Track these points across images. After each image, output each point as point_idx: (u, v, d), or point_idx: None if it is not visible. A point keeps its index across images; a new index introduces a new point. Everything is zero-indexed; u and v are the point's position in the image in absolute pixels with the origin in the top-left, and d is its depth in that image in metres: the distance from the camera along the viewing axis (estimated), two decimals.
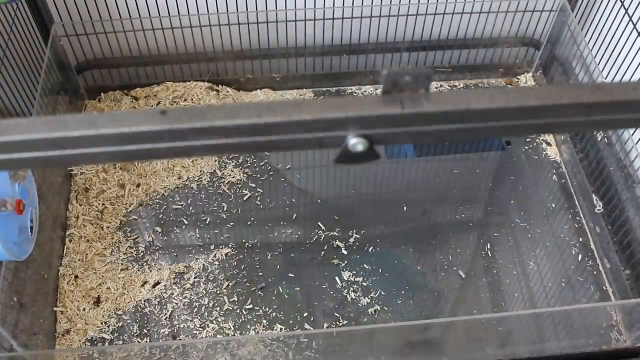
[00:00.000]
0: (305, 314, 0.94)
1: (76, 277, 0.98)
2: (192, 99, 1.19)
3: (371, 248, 1.01)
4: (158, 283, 0.98)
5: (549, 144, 1.17)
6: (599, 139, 1.10)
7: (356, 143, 0.30)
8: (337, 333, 0.87)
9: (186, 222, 1.05)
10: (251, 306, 0.95)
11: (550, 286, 0.98)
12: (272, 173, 1.12)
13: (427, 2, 1.17)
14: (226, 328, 0.93)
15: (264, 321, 0.93)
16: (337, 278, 0.98)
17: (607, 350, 0.91)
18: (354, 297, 0.96)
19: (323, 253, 1.01)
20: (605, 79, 1.12)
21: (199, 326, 0.93)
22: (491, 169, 1.13)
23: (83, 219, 1.04)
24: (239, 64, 1.24)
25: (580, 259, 1.01)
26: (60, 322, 0.93)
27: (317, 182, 1.11)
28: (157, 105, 1.20)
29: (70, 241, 1.02)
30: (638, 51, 1.03)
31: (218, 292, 0.97)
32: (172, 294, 0.97)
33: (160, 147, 0.29)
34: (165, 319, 0.94)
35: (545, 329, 0.92)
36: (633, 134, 1.03)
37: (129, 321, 0.94)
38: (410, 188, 1.10)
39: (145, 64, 1.21)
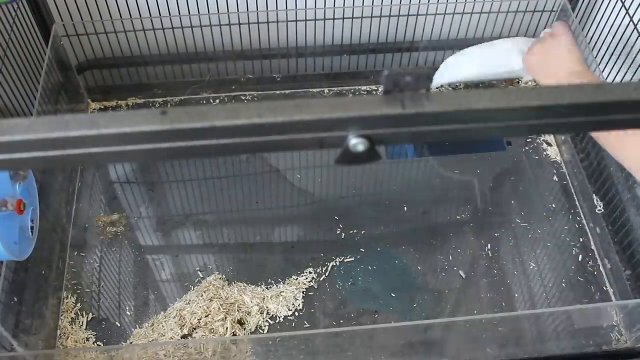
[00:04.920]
0: (306, 314, 0.94)
1: (77, 275, 0.98)
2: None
3: (371, 248, 1.01)
4: (158, 283, 0.98)
5: (549, 144, 1.17)
6: None
7: (357, 143, 0.30)
8: (337, 333, 0.87)
9: (186, 222, 1.05)
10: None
11: (551, 286, 0.98)
12: (272, 173, 1.12)
13: (428, 2, 1.17)
14: (226, 328, 0.93)
15: (264, 321, 0.93)
16: (337, 278, 0.98)
17: (607, 351, 0.91)
18: (354, 297, 0.96)
19: (323, 253, 1.01)
20: (606, 79, 1.12)
21: (198, 326, 0.93)
22: (491, 169, 1.13)
23: (83, 218, 1.04)
24: (239, 64, 1.24)
25: (580, 260, 1.01)
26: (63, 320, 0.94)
27: (317, 182, 1.11)
28: (159, 105, 1.20)
29: (70, 240, 1.02)
30: (639, 51, 1.03)
31: (218, 292, 0.96)
32: (172, 293, 0.97)
33: (161, 148, 0.29)
34: (165, 318, 0.94)
35: (546, 329, 0.92)
36: None
37: (128, 321, 0.94)
38: (410, 188, 1.10)
39: (145, 64, 1.21)
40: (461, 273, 0.99)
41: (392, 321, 0.94)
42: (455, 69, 1.01)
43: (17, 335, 0.85)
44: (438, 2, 1.17)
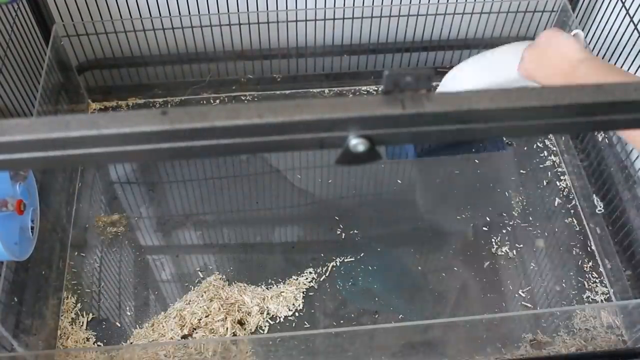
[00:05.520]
0: (306, 314, 0.94)
1: (77, 275, 0.98)
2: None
3: (371, 248, 1.01)
4: (158, 283, 0.98)
5: (549, 144, 1.17)
6: (600, 139, 1.10)
7: (357, 143, 0.30)
8: (337, 333, 0.87)
9: (186, 222, 1.05)
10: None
11: (551, 286, 0.98)
12: (272, 173, 1.12)
13: (428, 2, 1.17)
14: (226, 328, 0.93)
15: (264, 321, 0.93)
16: (337, 278, 0.98)
17: (607, 351, 0.91)
18: (354, 297, 0.96)
19: (323, 253, 1.01)
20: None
21: (198, 326, 0.93)
22: (491, 169, 1.13)
23: (83, 218, 1.04)
24: (239, 64, 1.24)
25: (580, 260, 1.01)
26: (63, 319, 0.94)
27: (317, 182, 1.11)
28: (159, 105, 1.20)
29: (70, 240, 1.02)
30: (639, 51, 1.03)
31: (218, 292, 0.96)
32: (172, 293, 0.97)
33: (161, 148, 0.29)
34: (165, 318, 0.94)
35: (546, 329, 0.92)
36: None
37: (128, 321, 0.94)
38: (410, 188, 1.10)
39: (145, 64, 1.21)
40: (461, 273, 0.99)
41: (392, 321, 0.94)
42: (456, 83, 1.00)
43: (17, 335, 0.85)
44: (438, 2, 1.17)
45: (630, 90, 0.29)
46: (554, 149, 1.16)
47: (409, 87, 0.29)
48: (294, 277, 0.98)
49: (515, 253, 1.01)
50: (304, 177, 1.11)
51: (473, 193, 1.10)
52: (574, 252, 1.02)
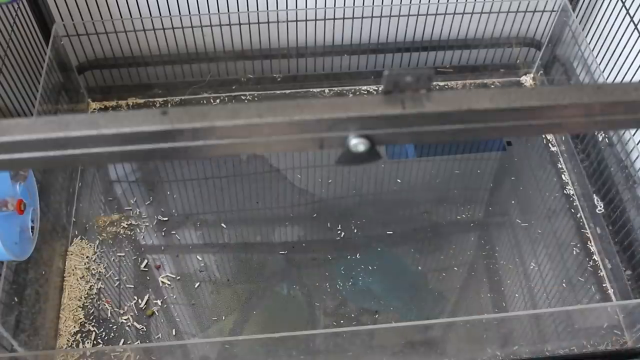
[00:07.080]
0: (306, 314, 0.94)
1: (80, 276, 0.98)
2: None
3: (371, 248, 1.01)
4: (158, 283, 0.98)
5: (549, 144, 1.17)
6: (600, 139, 1.10)
7: (357, 143, 0.30)
8: (337, 333, 0.87)
9: (186, 222, 1.05)
10: (251, 306, 0.95)
11: (551, 286, 0.98)
12: (272, 173, 1.12)
13: (428, 2, 1.17)
14: (226, 328, 0.93)
15: (265, 321, 0.93)
16: (337, 278, 0.98)
17: (607, 350, 0.91)
18: (354, 297, 0.96)
19: (323, 253, 1.01)
20: (606, 79, 1.12)
21: (199, 326, 0.93)
22: (491, 169, 1.13)
23: (83, 218, 1.04)
24: (239, 64, 1.24)
25: (580, 259, 1.01)
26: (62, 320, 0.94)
27: (317, 182, 1.11)
28: (159, 105, 1.20)
29: (71, 239, 1.02)
30: (639, 51, 1.03)
31: (218, 292, 0.97)
32: (172, 293, 0.97)
33: (161, 147, 0.29)
34: (166, 318, 0.94)
35: (546, 329, 0.92)
36: (634, 134, 1.03)
37: (129, 321, 0.94)
38: (410, 188, 1.10)
39: (145, 64, 1.21)
40: (461, 273, 0.99)
41: (392, 321, 0.94)
42: None
43: (17, 335, 0.85)
44: (438, 2, 1.17)
45: (630, 90, 0.29)
46: (554, 149, 1.16)
47: (409, 87, 0.29)
48: (293, 276, 0.98)
49: (515, 253, 1.01)
50: (304, 177, 1.11)
51: (473, 193, 1.10)
52: (574, 252, 1.02)
